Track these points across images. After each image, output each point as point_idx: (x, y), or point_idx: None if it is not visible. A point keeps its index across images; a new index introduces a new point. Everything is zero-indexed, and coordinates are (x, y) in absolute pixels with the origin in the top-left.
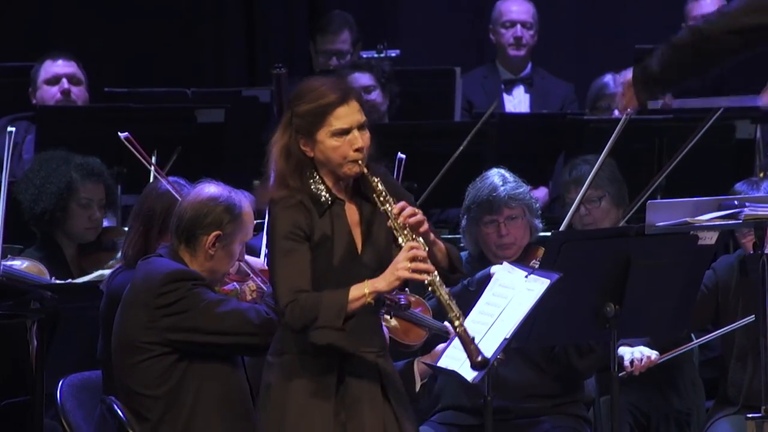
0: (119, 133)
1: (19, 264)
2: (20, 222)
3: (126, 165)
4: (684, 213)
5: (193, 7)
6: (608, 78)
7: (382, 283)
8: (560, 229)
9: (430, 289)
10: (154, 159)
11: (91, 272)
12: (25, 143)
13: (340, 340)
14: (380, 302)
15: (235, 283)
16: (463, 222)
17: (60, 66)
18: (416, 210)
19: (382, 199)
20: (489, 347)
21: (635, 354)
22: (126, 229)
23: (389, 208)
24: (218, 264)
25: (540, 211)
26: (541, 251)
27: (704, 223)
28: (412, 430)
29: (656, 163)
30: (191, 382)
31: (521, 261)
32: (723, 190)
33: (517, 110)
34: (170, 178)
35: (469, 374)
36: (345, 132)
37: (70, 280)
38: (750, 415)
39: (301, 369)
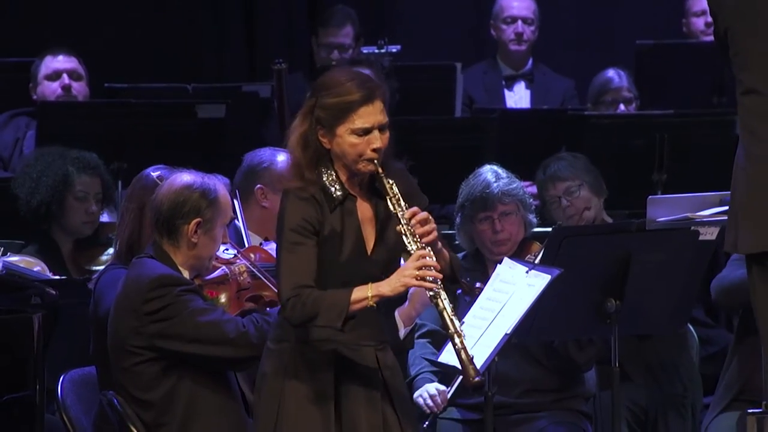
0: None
1: (18, 260)
2: (20, 221)
3: (126, 161)
4: (685, 208)
5: (193, 3)
6: (611, 73)
7: (386, 287)
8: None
9: (433, 301)
10: None
11: (88, 268)
12: (26, 139)
13: (338, 335)
14: (382, 305)
15: (224, 267)
16: (458, 220)
17: (60, 61)
18: (428, 216)
19: (394, 201)
20: (489, 343)
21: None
22: None
23: (400, 212)
24: (203, 250)
25: (534, 207)
26: (536, 246)
27: (705, 219)
28: (412, 428)
29: (656, 160)
30: (184, 390)
31: (517, 256)
32: (723, 185)
33: (518, 106)
34: (158, 166)
35: None
36: (366, 131)
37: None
38: (750, 411)
39: (299, 359)
